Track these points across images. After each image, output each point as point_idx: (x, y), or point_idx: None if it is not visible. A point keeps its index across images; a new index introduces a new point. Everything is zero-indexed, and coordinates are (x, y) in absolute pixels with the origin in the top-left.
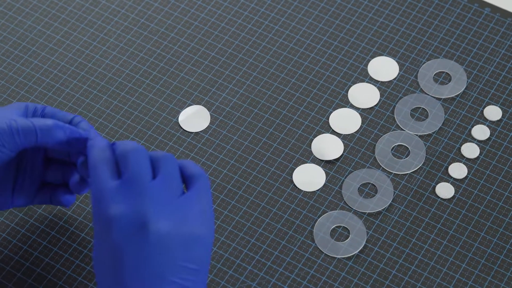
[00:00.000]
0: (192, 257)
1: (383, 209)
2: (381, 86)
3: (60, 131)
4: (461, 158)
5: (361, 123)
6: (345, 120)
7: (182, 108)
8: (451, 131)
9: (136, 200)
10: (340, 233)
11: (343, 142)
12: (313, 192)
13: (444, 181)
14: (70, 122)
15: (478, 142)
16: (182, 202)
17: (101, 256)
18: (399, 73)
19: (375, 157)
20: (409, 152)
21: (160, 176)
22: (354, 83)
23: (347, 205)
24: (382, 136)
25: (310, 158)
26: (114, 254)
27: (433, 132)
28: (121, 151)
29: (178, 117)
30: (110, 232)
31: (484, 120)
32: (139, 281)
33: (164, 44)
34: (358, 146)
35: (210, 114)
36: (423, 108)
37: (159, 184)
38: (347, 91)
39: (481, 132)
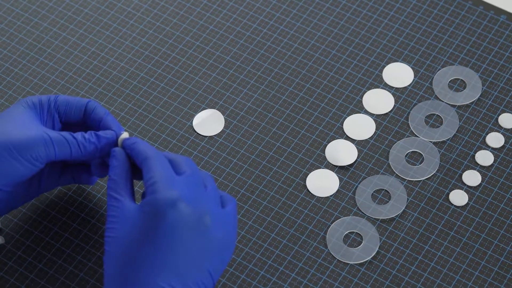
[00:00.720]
0: (216, 266)
1: (396, 216)
2: (396, 92)
3: (92, 145)
4: (475, 166)
5: (375, 129)
6: (359, 126)
7: (197, 111)
8: (466, 138)
9: (199, 200)
10: (353, 239)
11: (357, 148)
12: (327, 198)
13: (458, 189)
14: (85, 108)
15: (493, 150)
16: (225, 215)
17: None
18: (414, 79)
19: (389, 164)
20: (423, 158)
21: (210, 187)
22: (368, 89)
23: (360, 211)
24: (396, 142)
25: (324, 163)
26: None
27: (448, 139)
28: (173, 156)
29: (192, 120)
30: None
31: (498, 128)
32: (168, 274)
33: (179, 48)
34: (372, 152)
35: (224, 118)
36: (437, 114)
37: (210, 192)
38: (361, 97)
39: (495, 139)
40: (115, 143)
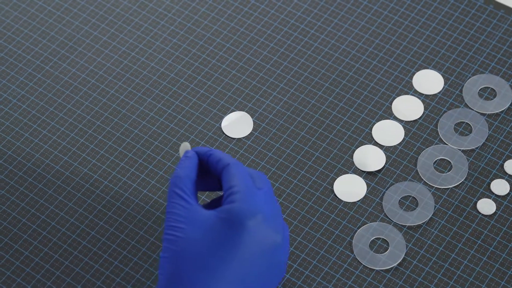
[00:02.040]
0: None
1: (423, 223)
2: (425, 99)
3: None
4: (503, 175)
5: (404, 136)
6: (388, 132)
7: (226, 113)
8: (495, 147)
9: (274, 218)
10: (380, 245)
11: (385, 154)
12: (354, 203)
13: (486, 197)
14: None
15: None
16: (286, 240)
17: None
18: (443, 87)
19: (417, 170)
20: (451, 166)
21: (278, 206)
22: (398, 95)
23: (387, 217)
24: (424, 149)
25: (352, 168)
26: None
27: (476, 148)
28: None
29: (221, 122)
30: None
31: None
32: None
33: (209, 49)
34: (400, 159)
35: (253, 120)
36: (467, 123)
37: (279, 212)
38: (391, 103)
39: None
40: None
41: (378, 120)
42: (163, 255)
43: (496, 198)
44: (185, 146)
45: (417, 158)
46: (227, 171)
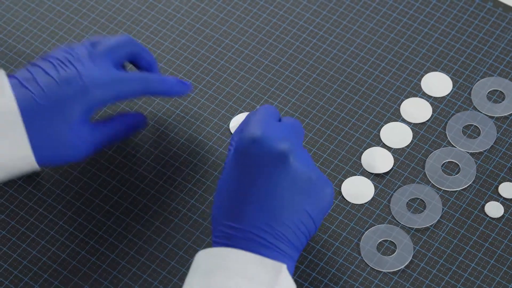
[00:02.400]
0: (313, 207)
1: (431, 225)
2: (434, 101)
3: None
4: None
5: (412, 138)
6: (396, 134)
7: (234, 114)
8: (503, 150)
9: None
10: (387, 247)
11: (393, 156)
12: (361, 205)
13: (494, 200)
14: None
15: None
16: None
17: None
18: (452, 89)
19: (425, 173)
20: (459, 169)
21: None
22: (406, 97)
23: (395, 219)
24: (432, 152)
25: (360, 170)
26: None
27: (485, 150)
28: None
29: (229, 123)
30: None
31: None
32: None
33: (218, 50)
34: (408, 161)
35: None
36: (475, 125)
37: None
38: (399, 105)
39: None
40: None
41: (386, 122)
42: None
43: (504, 201)
44: None
45: (425, 160)
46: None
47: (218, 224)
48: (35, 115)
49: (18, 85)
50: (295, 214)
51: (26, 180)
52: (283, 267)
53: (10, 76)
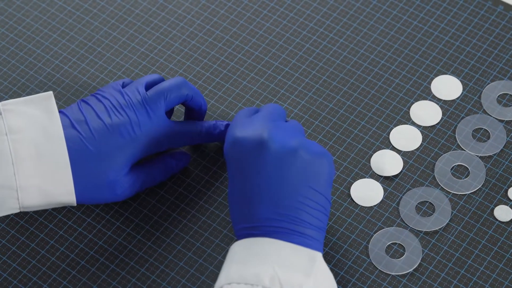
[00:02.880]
0: (315, 181)
1: (440, 229)
2: (444, 104)
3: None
4: None
5: (422, 141)
6: (406, 137)
7: None
8: None
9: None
10: (396, 250)
11: (403, 159)
12: (370, 208)
13: (503, 204)
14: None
15: None
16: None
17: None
18: (462, 92)
19: (434, 176)
20: (468, 172)
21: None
22: (416, 100)
23: (404, 222)
24: (442, 155)
25: (369, 173)
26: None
27: (494, 154)
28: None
29: None
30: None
31: None
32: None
33: (228, 52)
34: (418, 164)
35: None
36: (485, 129)
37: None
38: (409, 108)
39: None
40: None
41: (396, 125)
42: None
43: None
44: None
45: (435, 163)
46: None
47: (237, 228)
48: (82, 158)
49: (69, 126)
50: (299, 194)
51: None
52: (318, 255)
53: (61, 112)
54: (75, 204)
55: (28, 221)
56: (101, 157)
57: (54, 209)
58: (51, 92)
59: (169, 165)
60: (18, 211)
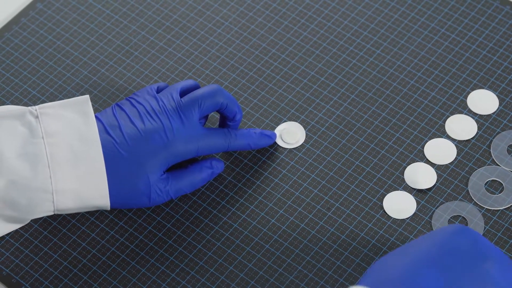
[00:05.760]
0: None
1: None
2: (479, 119)
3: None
4: None
5: (456, 155)
6: (440, 151)
7: (278, 124)
8: None
9: None
10: None
11: (437, 172)
12: (403, 220)
13: None
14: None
15: None
16: None
17: None
18: (498, 107)
19: (467, 190)
20: (503, 188)
21: None
22: (452, 114)
23: None
24: (476, 169)
25: (402, 185)
26: None
27: None
28: None
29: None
30: None
31: None
32: None
33: (264, 59)
34: (451, 178)
35: (305, 132)
36: None
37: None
38: (444, 122)
39: None
40: None
41: (430, 138)
42: None
43: None
44: None
45: (469, 178)
46: None
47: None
48: (115, 163)
49: (103, 131)
50: None
51: None
52: None
53: (96, 117)
54: (109, 209)
55: (61, 222)
56: (134, 162)
57: (90, 214)
58: (87, 96)
59: (205, 172)
60: (52, 213)
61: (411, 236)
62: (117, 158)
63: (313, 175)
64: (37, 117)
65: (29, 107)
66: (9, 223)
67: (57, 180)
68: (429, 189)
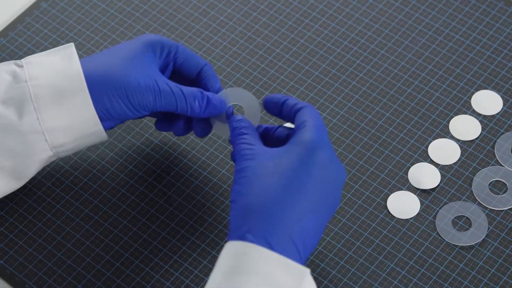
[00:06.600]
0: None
1: (476, 244)
2: (483, 119)
3: (199, 108)
4: None
5: (460, 155)
6: (444, 151)
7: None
8: None
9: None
10: None
11: (441, 173)
12: (406, 220)
13: None
14: (200, 71)
15: None
16: None
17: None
18: (502, 108)
19: (471, 191)
20: (507, 188)
21: None
22: (456, 114)
23: (440, 236)
24: (480, 170)
25: (406, 185)
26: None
27: None
28: None
29: None
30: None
31: None
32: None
33: (268, 59)
34: (455, 178)
35: None
36: None
37: None
38: (448, 122)
39: None
40: (221, 114)
41: (434, 138)
42: (234, 188)
43: None
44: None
45: (473, 178)
46: (303, 111)
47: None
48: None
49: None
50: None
51: (65, 189)
52: (306, 272)
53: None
54: (105, 136)
55: (65, 221)
56: (116, 70)
57: (54, 202)
58: (72, 43)
59: (198, 92)
60: (52, 155)
61: (415, 236)
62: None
63: None
64: (21, 66)
65: (15, 60)
66: (5, 179)
67: (44, 119)
68: (433, 189)
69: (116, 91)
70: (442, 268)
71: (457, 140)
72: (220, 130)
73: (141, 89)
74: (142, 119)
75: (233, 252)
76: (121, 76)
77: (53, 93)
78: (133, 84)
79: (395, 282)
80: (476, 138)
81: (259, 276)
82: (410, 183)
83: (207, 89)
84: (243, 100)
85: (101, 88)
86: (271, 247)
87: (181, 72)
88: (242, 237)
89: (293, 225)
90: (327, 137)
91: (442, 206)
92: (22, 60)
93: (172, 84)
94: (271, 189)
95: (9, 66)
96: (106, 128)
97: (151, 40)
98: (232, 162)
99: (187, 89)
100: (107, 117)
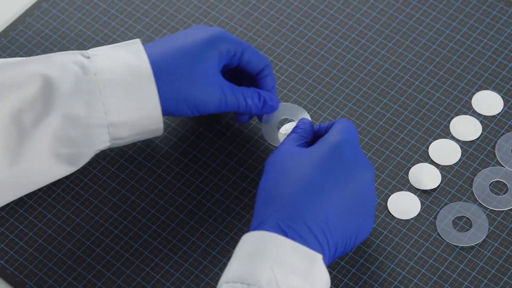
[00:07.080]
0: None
1: (476, 244)
2: (484, 120)
3: (256, 109)
4: None
5: (461, 156)
6: (445, 151)
7: (283, 124)
8: None
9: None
10: None
11: (441, 173)
12: (407, 221)
13: None
14: (259, 72)
15: None
16: None
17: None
18: (503, 108)
19: (472, 191)
20: (507, 189)
21: None
22: (456, 114)
23: (440, 236)
24: (481, 170)
25: (407, 186)
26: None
27: None
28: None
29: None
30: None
31: None
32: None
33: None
34: (456, 179)
35: None
36: None
37: None
38: (449, 122)
39: None
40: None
41: (435, 139)
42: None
43: None
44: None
45: (473, 178)
46: (337, 121)
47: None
48: (167, 80)
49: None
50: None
51: (71, 184)
52: (318, 257)
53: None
54: (162, 131)
55: (68, 218)
56: (184, 74)
57: (56, 203)
58: (138, 39)
59: (256, 94)
60: (108, 144)
61: (415, 237)
62: (168, 75)
63: None
64: (88, 57)
65: (80, 51)
66: (62, 164)
67: (111, 114)
68: (433, 190)
69: (182, 96)
70: (442, 268)
71: (457, 141)
72: (267, 125)
73: (207, 99)
74: None
75: (250, 240)
76: (188, 84)
77: (122, 89)
78: (200, 97)
79: (396, 283)
80: (477, 139)
81: (272, 260)
82: (410, 184)
83: (262, 87)
84: (297, 116)
85: (168, 93)
86: (286, 235)
87: (241, 69)
88: (261, 225)
89: (313, 217)
90: (355, 138)
91: (442, 207)
92: (88, 51)
93: (236, 91)
94: (294, 182)
95: (76, 56)
96: None
97: (217, 38)
98: (232, 163)
99: (247, 93)
100: (167, 115)
